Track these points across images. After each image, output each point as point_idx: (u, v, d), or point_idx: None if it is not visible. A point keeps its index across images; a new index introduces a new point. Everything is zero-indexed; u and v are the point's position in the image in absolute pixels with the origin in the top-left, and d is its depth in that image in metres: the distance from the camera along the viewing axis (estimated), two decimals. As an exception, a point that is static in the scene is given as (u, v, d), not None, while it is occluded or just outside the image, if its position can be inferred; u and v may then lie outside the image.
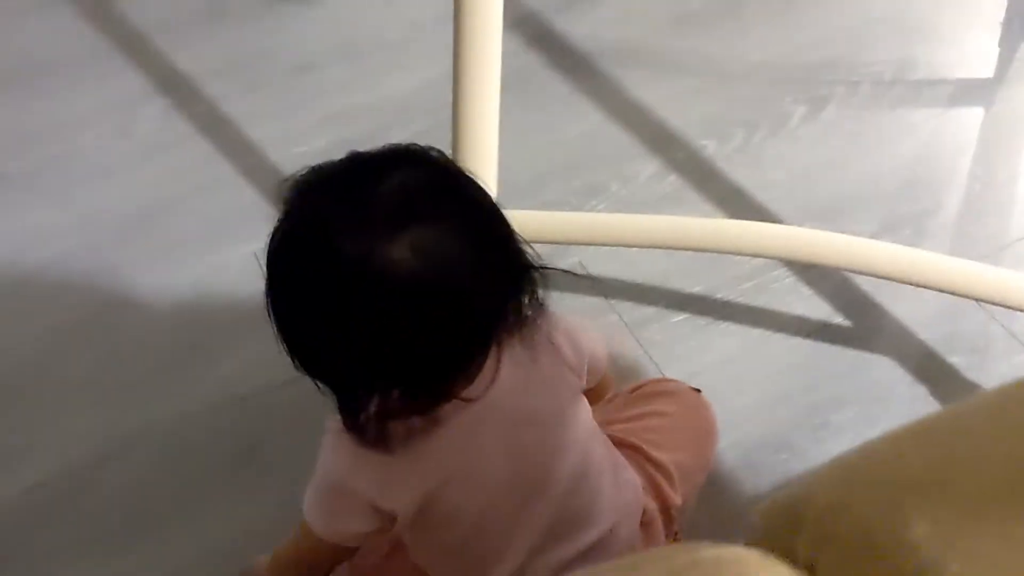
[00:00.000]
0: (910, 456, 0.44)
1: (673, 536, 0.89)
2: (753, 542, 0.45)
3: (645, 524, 0.85)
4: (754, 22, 1.51)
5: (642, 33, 1.52)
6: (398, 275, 0.64)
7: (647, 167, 1.31)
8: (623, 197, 1.28)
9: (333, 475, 0.76)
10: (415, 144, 0.71)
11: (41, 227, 1.29)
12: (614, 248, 1.19)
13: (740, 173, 1.30)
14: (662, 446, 0.89)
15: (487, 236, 0.70)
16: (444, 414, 0.72)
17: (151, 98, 1.47)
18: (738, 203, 1.26)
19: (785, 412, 1.07)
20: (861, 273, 1.10)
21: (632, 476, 0.85)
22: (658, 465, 0.88)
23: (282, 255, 0.69)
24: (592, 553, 0.80)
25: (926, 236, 1.22)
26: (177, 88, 1.48)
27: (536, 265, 0.73)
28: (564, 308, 1.15)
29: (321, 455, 0.77)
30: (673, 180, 1.30)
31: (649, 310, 1.17)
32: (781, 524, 0.46)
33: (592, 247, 1.20)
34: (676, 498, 0.88)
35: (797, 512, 0.45)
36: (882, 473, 0.44)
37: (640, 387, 0.98)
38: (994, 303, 1.06)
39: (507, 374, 0.74)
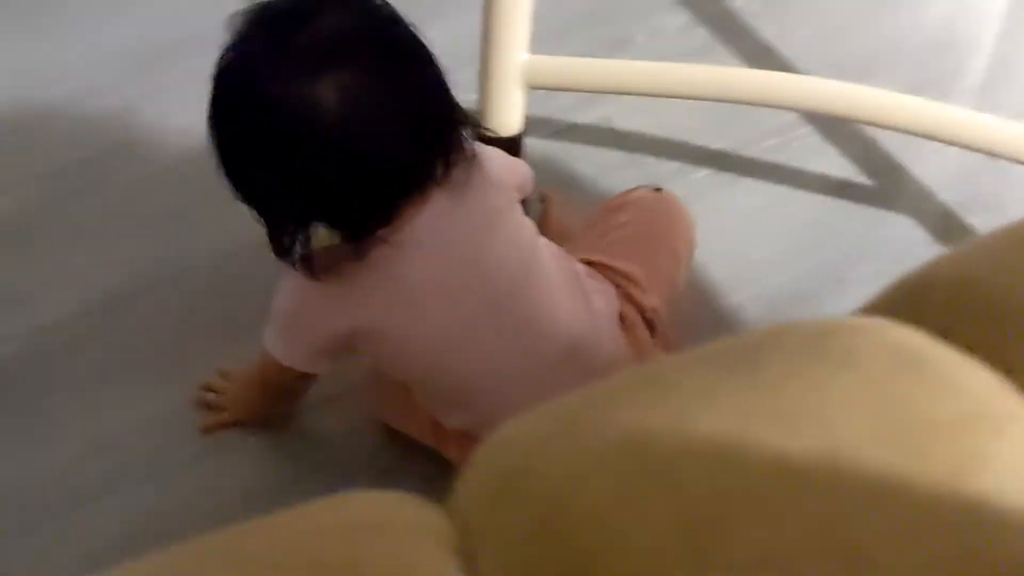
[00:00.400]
0: None
1: (661, 337, 0.92)
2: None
3: (627, 327, 0.89)
4: None
5: None
6: (315, 114, 0.70)
7: (675, 19, 1.29)
8: (649, 50, 1.25)
9: (284, 305, 0.83)
10: None
11: (51, 62, 1.26)
12: (638, 104, 1.18)
13: (768, 30, 1.27)
14: (625, 256, 0.93)
15: (414, 87, 0.74)
16: (371, 250, 0.76)
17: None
18: (765, 59, 1.24)
19: (805, 267, 1.09)
20: (885, 127, 1.09)
21: (602, 286, 0.89)
22: (622, 274, 0.91)
23: (218, 88, 0.74)
24: (572, 365, 0.83)
25: (950, 98, 1.21)
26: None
27: (469, 122, 0.78)
28: (586, 163, 1.17)
29: (276, 291, 0.83)
30: (701, 34, 1.27)
31: (672, 165, 1.17)
32: (906, 299, 0.48)
33: (616, 101, 1.19)
34: (649, 299, 0.91)
35: (923, 288, 0.46)
36: (1010, 247, 0.46)
37: (604, 204, 1.01)
38: (1016, 161, 1.06)
39: (431, 213, 0.77)
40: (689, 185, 1.15)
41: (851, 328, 0.47)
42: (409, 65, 0.74)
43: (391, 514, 0.34)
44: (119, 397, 1.01)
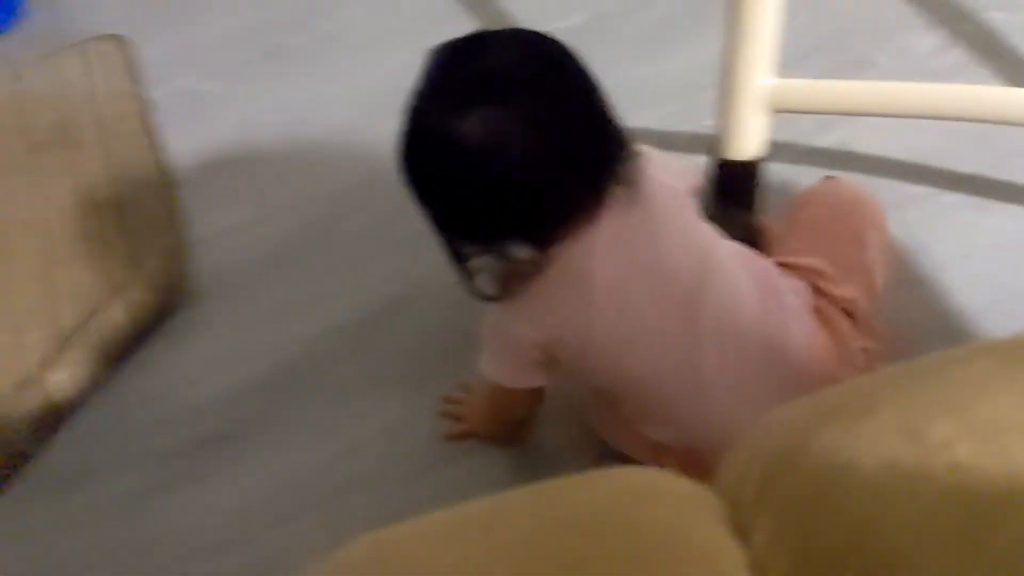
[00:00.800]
0: None
1: (865, 326, 0.90)
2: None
3: (824, 321, 0.87)
4: None
5: None
6: (460, 145, 0.76)
7: (926, 40, 1.24)
8: (895, 73, 1.22)
9: (487, 328, 0.89)
10: (534, 31, 0.82)
11: (318, 99, 1.38)
12: (878, 125, 1.14)
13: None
14: (808, 251, 0.93)
15: (570, 122, 0.79)
16: (551, 263, 0.81)
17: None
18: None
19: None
20: None
21: (794, 283, 0.88)
22: (809, 269, 0.91)
23: (402, 123, 0.81)
24: (766, 364, 0.84)
25: None
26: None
27: (626, 152, 0.81)
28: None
29: (481, 319, 0.89)
30: (955, 55, 1.22)
31: (918, 188, 1.13)
32: None
33: (855, 124, 1.16)
34: (842, 290, 0.89)
35: None
36: None
37: (790, 203, 1.02)
38: None
39: (603, 227, 0.81)
40: (939, 209, 1.11)
41: None
42: (566, 101, 0.80)
43: (662, 486, 0.36)
44: (370, 406, 1.08)
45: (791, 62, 1.23)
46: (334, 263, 1.21)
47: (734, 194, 0.93)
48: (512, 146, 0.76)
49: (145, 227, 1.21)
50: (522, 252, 0.81)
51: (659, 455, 0.90)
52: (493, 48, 0.81)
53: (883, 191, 1.12)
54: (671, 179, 0.87)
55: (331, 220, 1.25)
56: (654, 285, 0.82)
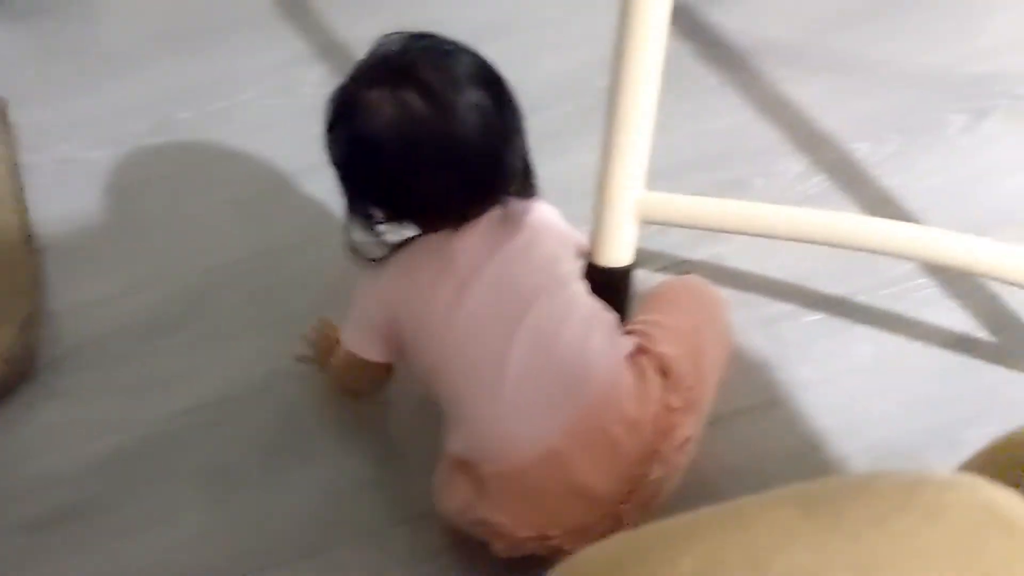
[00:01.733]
0: None
1: (676, 384, 0.91)
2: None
3: (636, 369, 0.90)
4: (917, 26, 1.47)
5: (797, 29, 1.50)
6: (370, 116, 0.87)
7: (794, 165, 1.30)
8: (767, 194, 1.27)
9: (357, 293, 0.97)
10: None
11: (207, 175, 1.36)
12: (752, 244, 1.19)
13: (892, 179, 1.27)
14: (641, 312, 1.00)
15: (501, 117, 0.90)
16: (422, 241, 0.92)
17: (314, 62, 1.53)
18: (887, 210, 1.24)
19: (919, 423, 1.05)
20: (1012, 284, 1.06)
21: (618, 333, 0.94)
22: (639, 322, 0.97)
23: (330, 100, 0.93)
24: (568, 387, 0.88)
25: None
26: (341, 54, 1.54)
27: (525, 183, 0.94)
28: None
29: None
30: (820, 181, 1.28)
31: (784, 306, 1.16)
32: (1007, 461, 0.47)
33: (731, 242, 1.20)
34: (661, 347, 0.92)
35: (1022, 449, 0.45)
36: None
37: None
38: None
39: (477, 230, 0.91)
40: (802, 328, 1.14)
41: (942, 483, 0.46)
42: (487, 113, 0.88)
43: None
44: (226, 489, 1.05)
45: (673, 176, 1.28)
46: (203, 339, 1.18)
47: (605, 298, 0.95)
48: (419, 133, 0.85)
49: (2, 293, 1.16)
50: (403, 227, 0.92)
51: (457, 474, 0.91)
52: (438, 46, 0.91)
53: (750, 307, 1.16)
54: (563, 230, 0.97)
55: (205, 295, 1.22)
56: (499, 288, 0.89)
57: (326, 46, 1.56)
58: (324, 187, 1.33)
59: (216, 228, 1.29)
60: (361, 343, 0.96)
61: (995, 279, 1.11)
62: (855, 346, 1.13)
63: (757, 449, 1.04)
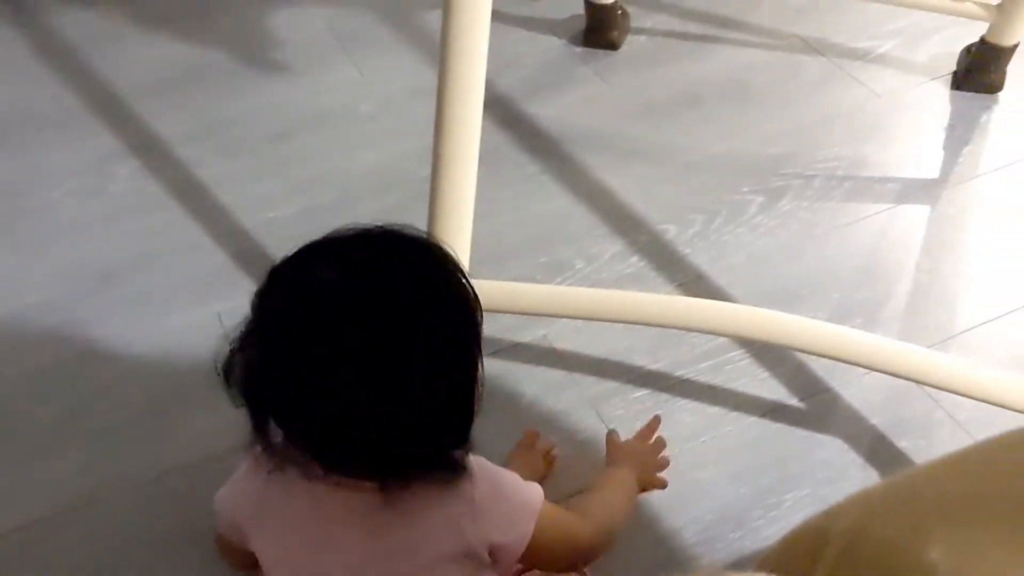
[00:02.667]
0: (928, 486, 0.47)
1: None
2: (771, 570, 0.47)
3: None
4: (713, 116, 1.59)
5: (607, 119, 1.58)
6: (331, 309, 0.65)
7: (611, 247, 1.36)
8: (587, 275, 1.32)
9: (225, 489, 0.81)
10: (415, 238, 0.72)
11: (14, 277, 1.29)
12: (578, 324, 1.23)
13: (700, 257, 1.35)
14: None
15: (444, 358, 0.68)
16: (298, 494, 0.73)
17: (125, 159, 1.48)
18: (697, 286, 1.30)
19: (740, 490, 1.09)
20: (814, 354, 1.14)
21: None
22: None
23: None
24: None
25: (877, 324, 1.27)
26: (151, 150, 1.50)
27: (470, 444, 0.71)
28: (529, 381, 1.19)
29: None
30: (635, 261, 1.34)
31: (611, 384, 1.20)
32: (801, 552, 0.48)
33: (557, 323, 1.23)
34: None
35: (818, 539, 0.46)
36: (901, 501, 0.46)
37: None
38: (940, 388, 1.10)
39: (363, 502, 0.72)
40: (627, 405, 1.17)
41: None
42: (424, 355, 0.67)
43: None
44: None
45: (497, 262, 1.31)
46: (19, 453, 1.11)
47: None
48: (334, 350, 0.65)
49: None
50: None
51: None
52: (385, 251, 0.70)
53: (579, 387, 1.18)
54: (491, 514, 0.75)
55: (20, 405, 1.15)
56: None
57: (136, 142, 1.52)
58: (134, 290, 1.30)
59: (29, 333, 1.22)
60: (224, 525, 0.84)
61: (798, 350, 1.18)
62: (678, 418, 1.17)
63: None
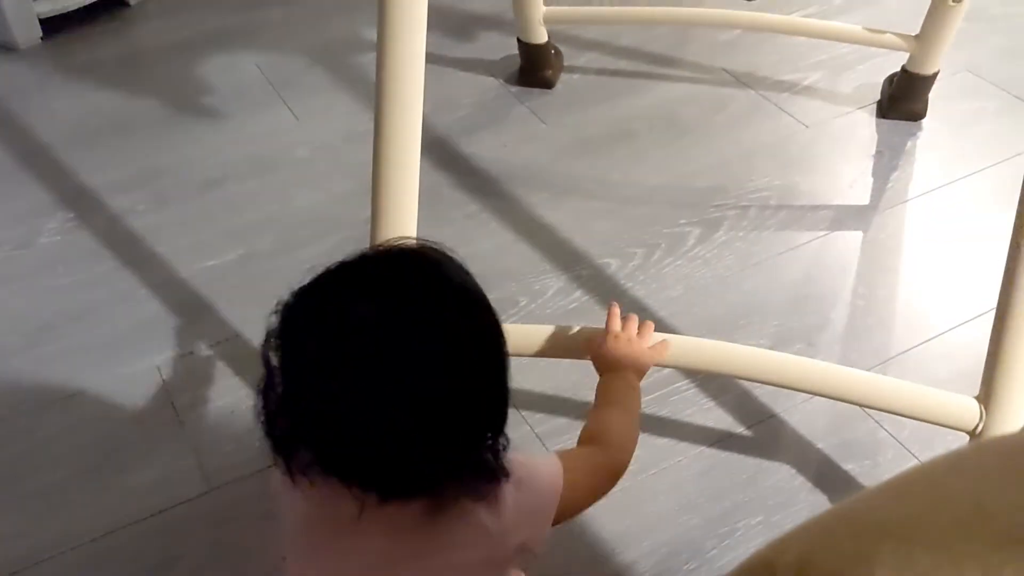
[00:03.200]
0: (871, 511, 0.47)
1: None
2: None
3: None
4: (648, 150, 1.61)
5: (544, 157, 1.59)
6: (356, 331, 0.64)
7: (554, 282, 1.36)
8: (531, 311, 1.32)
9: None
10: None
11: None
12: (524, 361, 1.22)
13: (641, 290, 1.36)
14: None
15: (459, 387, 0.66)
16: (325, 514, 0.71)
17: (54, 211, 1.45)
18: (640, 318, 1.31)
19: (693, 521, 1.09)
20: (758, 382, 1.15)
21: None
22: None
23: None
24: None
25: (817, 349, 1.29)
26: (81, 202, 1.47)
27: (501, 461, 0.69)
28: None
29: None
30: (579, 296, 1.34)
31: (560, 421, 1.19)
32: None
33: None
34: None
35: (766, 571, 0.46)
36: (845, 528, 0.46)
37: None
38: (882, 410, 1.12)
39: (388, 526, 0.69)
40: (576, 440, 1.17)
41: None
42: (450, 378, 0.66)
43: None
44: None
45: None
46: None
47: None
48: (350, 377, 0.63)
49: None
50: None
51: None
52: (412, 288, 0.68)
53: (529, 424, 1.18)
54: (515, 515, 0.73)
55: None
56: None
57: (66, 194, 1.48)
58: (69, 343, 1.27)
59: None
60: None
61: (742, 379, 1.20)
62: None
63: (547, 565, 1.04)
